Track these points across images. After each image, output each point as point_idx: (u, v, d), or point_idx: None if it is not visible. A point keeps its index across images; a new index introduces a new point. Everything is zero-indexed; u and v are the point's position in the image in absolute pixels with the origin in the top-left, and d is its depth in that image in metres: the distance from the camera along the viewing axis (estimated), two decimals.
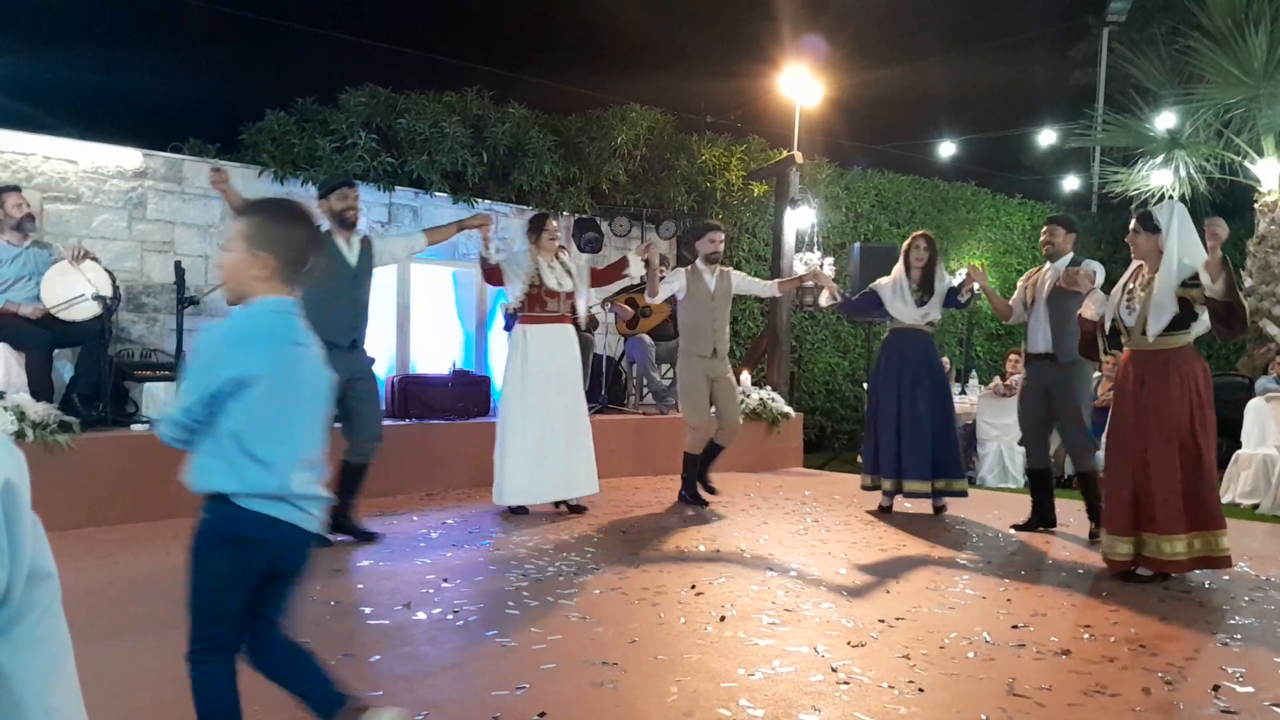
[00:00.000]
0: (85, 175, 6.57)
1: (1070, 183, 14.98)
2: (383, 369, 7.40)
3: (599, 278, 6.03)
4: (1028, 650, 3.29)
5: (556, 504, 5.84)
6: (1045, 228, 5.61)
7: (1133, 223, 4.43)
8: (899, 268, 6.07)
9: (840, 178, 10.73)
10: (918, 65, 16.85)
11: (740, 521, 5.74)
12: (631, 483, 7.22)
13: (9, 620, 0.89)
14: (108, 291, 5.54)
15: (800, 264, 9.22)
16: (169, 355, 6.26)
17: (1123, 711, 2.73)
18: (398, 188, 7.83)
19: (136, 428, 5.57)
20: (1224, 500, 7.23)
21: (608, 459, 7.24)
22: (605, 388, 7.89)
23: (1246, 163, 9.79)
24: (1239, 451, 7.45)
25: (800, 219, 9.15)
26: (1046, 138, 14.68)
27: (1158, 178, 10.56)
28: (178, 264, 5.84)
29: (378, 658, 3.08)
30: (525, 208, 8.62)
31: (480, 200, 8.20)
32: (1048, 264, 5.54)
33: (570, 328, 5.81)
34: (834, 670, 3.03)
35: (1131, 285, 4.43)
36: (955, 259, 11.71)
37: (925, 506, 6.27)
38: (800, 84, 8.99)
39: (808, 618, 3.66)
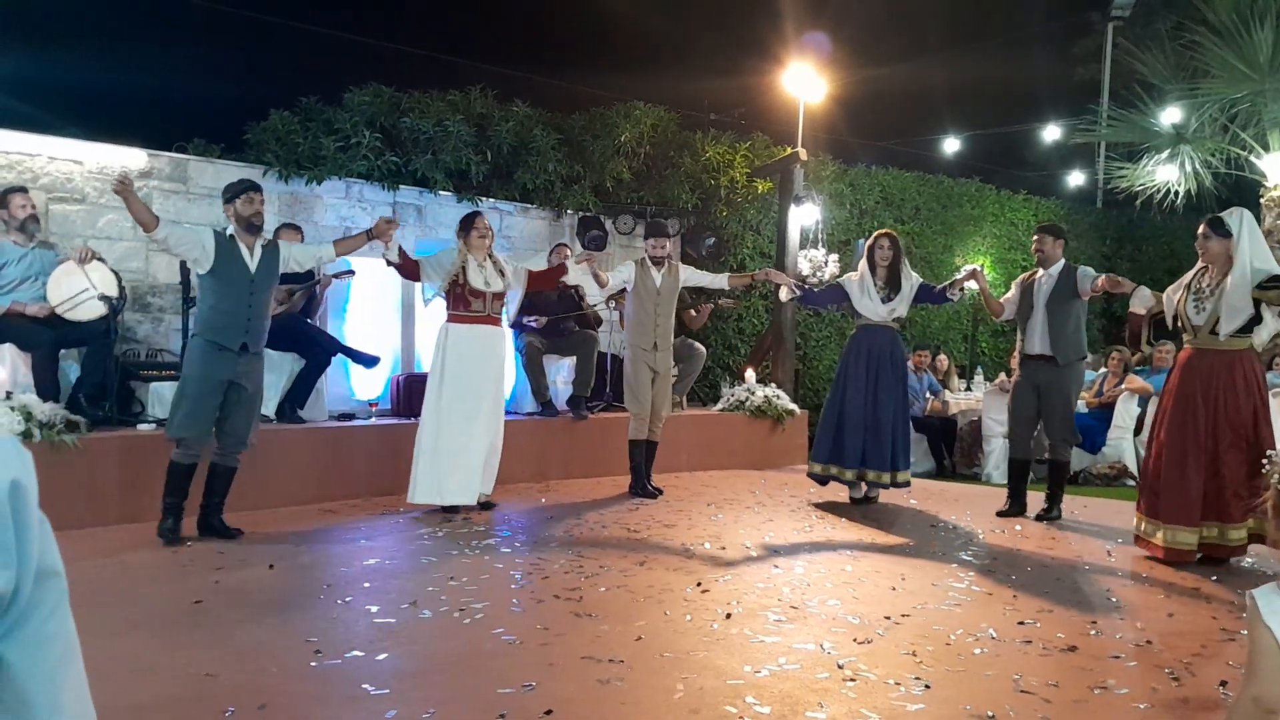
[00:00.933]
0: (90, 175, 6.58)
1: (1075, 178, 14.95)
2: (387, 367, 7.41)
3: (535, 281, 6.04)
4: (1034, 647, 3.29)
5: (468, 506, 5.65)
6: (1036, 236, 5.89)
7: (1202, 228, 4.62)
8: (864, 265, 6.22)
9: (844, 174, 10.71)
10: (921, 61, 16.82)
11: (745, 519, 5.73)
12: None
13: (17, 619, 0.90)
14: (113, 291, 5.55)
15: (804, 260, 9.21)
16: (174, 355, 6.27)
17: (1130, 708, 2.73)
18: (402, 186, 7.83)
19: (142, 427, 5.58)
20: None
21: (613, 457, 7.25)
22: (610, 385, 7.88)
23: (1252, 157, 9.75)
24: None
25: (804, 216, 9.13)
26: (1051, 133, 14.64)
27: (1163, 173, 10.52)
28: (183, 264, 5.84)
29: (384, 655, 3.09)
30: (530, 206, 8.62)
31: (484, 199, 8.20)
32: (1040, 269, 5.84)
33: (497, 329, 5.75)
34: (840, 667, 3.03)
35: (1199, 286, 4.64)
36: (960, 255, 11.68)
37: (929, 504, 6.27)
38: (804, 81, 8.97)
39: (814, 615, 3.66)
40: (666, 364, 6.43)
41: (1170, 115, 10.30)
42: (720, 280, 6.72)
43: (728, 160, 9.42)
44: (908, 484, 6.30)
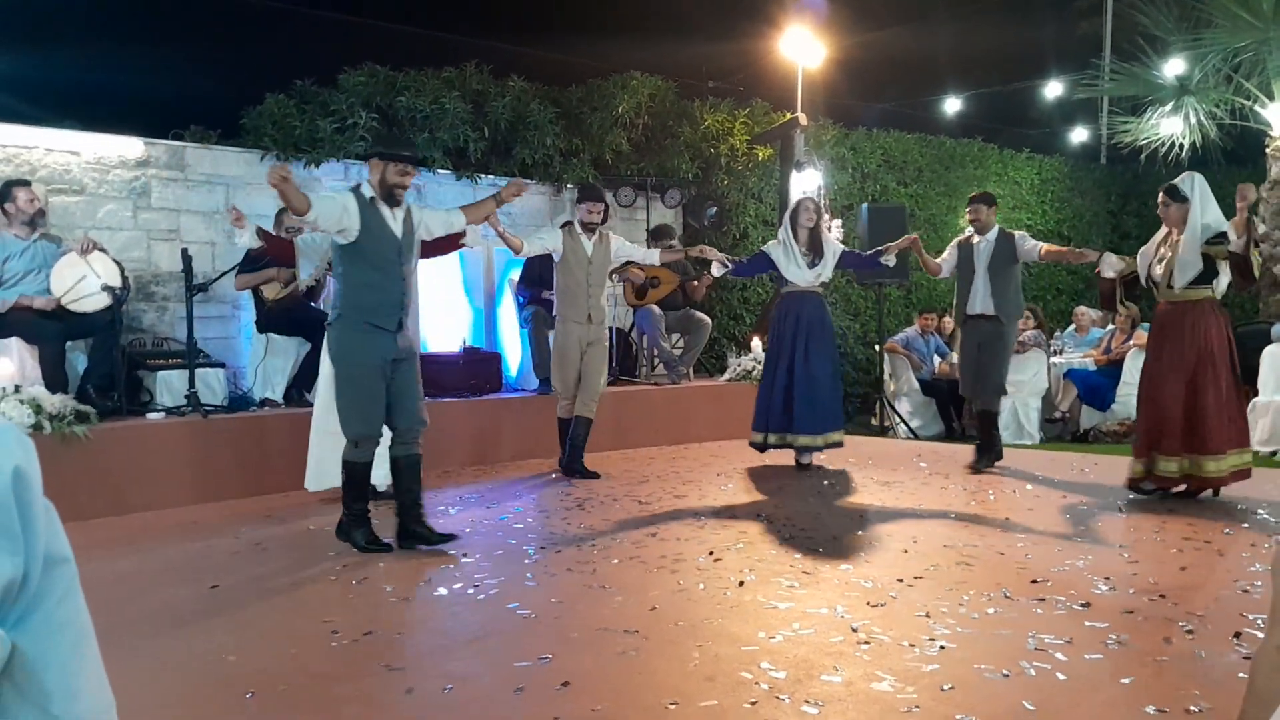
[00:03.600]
0: (88, 166, 6.56)
1: (1078, 135, 14.77)
2: None
3: (429, 250, 4.95)
4: (1047, 604, 3.30)
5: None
6: (970, 207, 6.26)
7: (1161, 196, 5.08)
8: (786, 233, 6.25)
9: (846, 138, 10.62)
10: (921, 20, 16.61)
11: (757, 487, 5.75)
12: (645, 453, 7.23)
13: (28, 606, 0.90)
14: (116, 282, 5.55)
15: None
16: (180, 343, 6.28)
17: (1144, 661, 2.74)
18: None
19: (152, 416, 5.60)
20: None
21: (621, 430, 7.27)
22: (616, 359, 7.88)
23: (1257, 107, 9.64)
24: (1256, 399, 7.39)
25: (806, 181, 9.07)
26: (1053, 90, 14.46)
27: (1167, 126, 10.41)
28: (184, 251, 5.83)
29: (400, 634, 3.11)
30: (529, 182, 8.56)
31: (483, 176, 8.15)
32: (975, 234, 6.23)
33: None
34: (854, 630, 3.04)
35: (1162, 248, 5.09)
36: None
37: (939, 466, 6.28)
38: (802, 45, 8.89)
39: (826, 579, 3.68)
40: (600, 335, 6.15)
41: (1174, 67, 10.18)
42: (652, 255, 6.48)
43: (727, 128, 9.35)
44: (840, 444, 6.34)
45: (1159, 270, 5.06)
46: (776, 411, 6.25)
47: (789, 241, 6.21)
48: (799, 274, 6.21)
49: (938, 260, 6.39)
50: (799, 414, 6.18)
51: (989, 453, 6.25)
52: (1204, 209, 4.87)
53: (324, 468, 4.98)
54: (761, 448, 6.42)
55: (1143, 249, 5.22)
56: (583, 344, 6.05)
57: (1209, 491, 5.10)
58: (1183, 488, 5.08)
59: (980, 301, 6.13)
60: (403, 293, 4.28)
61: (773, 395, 6.27)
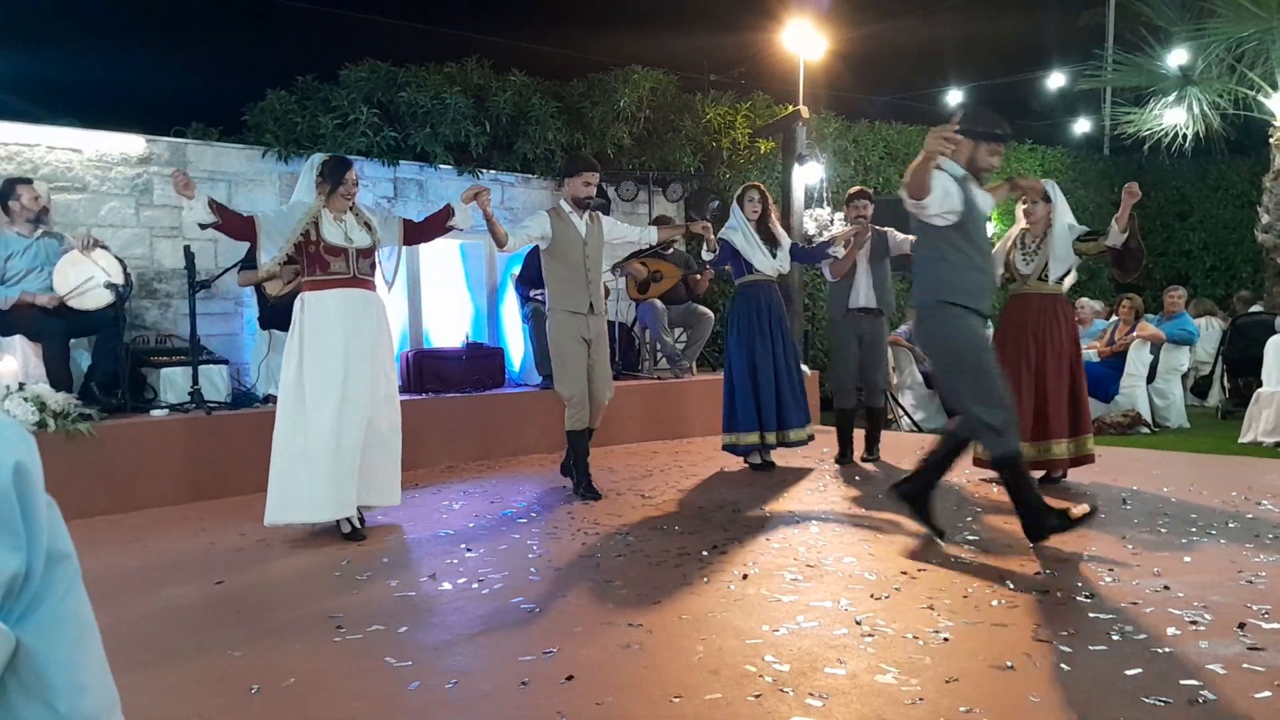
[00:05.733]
0: (90, 164, 6.56)
1: (1081, 125, 14.76)
2: (396, 343, 7.40)
3: (415, 234, 4.90)
4: (1051, 596, 3.30)
5: (340, 523, 4.48)
6: (860, 202, 6.30)
7: (1032, 196, 5.40)
8: (739, 219, 6.03)
9: (848, 131, 10.60)
10: (923, 12, 16.57)
11: (759, 480, 5.75)
12: (649, 448, 7.24)
13: (31, 602, 0.90)
14: (119, 278, 5.56)
15: (809, 220, 9.14)
16: (183, 340, 6.29)
17: (1149, 653, 2.73)
18: (402, 162, 7.79)
19: (156, 413, 5.61)
20: (1246, 439, 7.21)
21: (624, 425, 7.28)
22: (619, 354, 7.88)
23: (1260, 97, 9.61)
24: (1260, 390, 7.38)
25: (808, 175, 9.06)
26: (1056, 81, 14.45)
27: (1170, 116, 10.39)
28: (187, 248, 5.84)
29: (405, 629, 3.12)
30: (531, 176, 8.56)
31: (485, 171, 8.15)
32: (867, 228, 6.25)
33: (368, 293, 4.57)
34: (858, 623, 3.04)
35: (1024, 243, 5.39)
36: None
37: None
38: (804, 37, 8.86)
39: (830, 572, 3.68)
40: (602, 328, 5.48)
41: (1177, 57, 10.16)
42: (650, 233, 5.87)
43: (729, 121, 9.33)
44: (813, 437, 6.24)
45: (1023, 264, 5.39)
46: (769, 408, 5.97)
47: (744, 229, 5.99)
48: (765, 262, 5.99)
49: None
50: (788, 408, 6.01)
51: (877, 445, 6.46)
52: (1064, 211, 5.24)
53: (285, 498, 4.36)
54: (759, 450, 6.08)
55: (996, 248, 5.35)
56: (585, 338, 5.38)
57: (1061, 474, 5.43)
58: (1043, 473, 5.32)
59: (864, 295, 6.23)
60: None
61: (760, 392, 5.95)
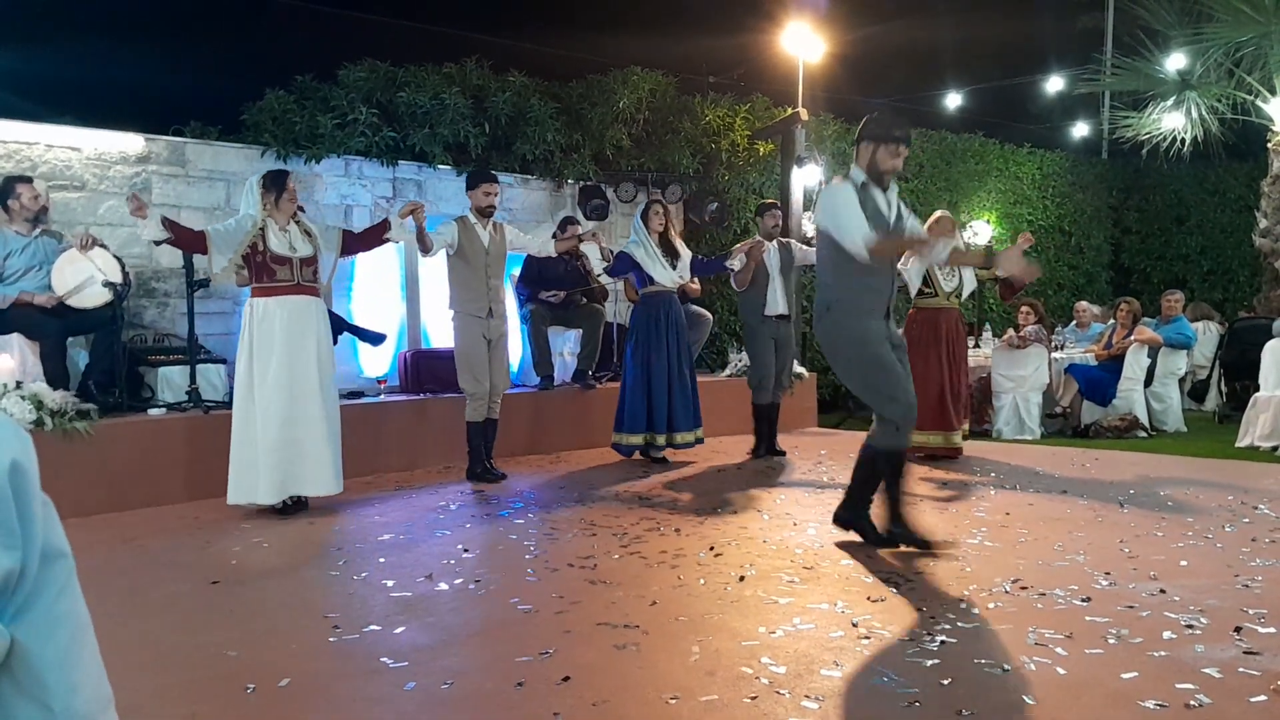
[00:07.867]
0: (89, 162, 6.56)
1: (1080, 129, 14.75)
2: (393, 344, 7.41)
3: (353, 244, 5.36)
4: (1048, 599, 3.30)
5: (281, 504, 4.98)
6: (771, 213, 6.76)
7: (950, 222, 6.19)
8: (640, 233, 6.38)
9: (846, 133, 10.59)
10: (921, 15, 16.57)
11: (757, 482, 5.75)
12: None
13: (26, 600, 0.90)
14: (117, 277, 5.55)
15: (808, 222, 9.14)
16: (181, 339, 6.29)
17: (1144, 657, 2.74)
18: (400, 162, 7.79)
19: (153, 412, 5.60)
20: (1243, 443, 7.21)
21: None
22: (617, 356, 7.88)
23: (1259, 101, 9.62)
24: (1257, 394, 7.38)
25: (807, 177, 9.06)
26: (1054, 84, 14.44)
27: (1169, 120, 10.40)
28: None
29: (402, 629, 3.12)
30: (530, 177, 8.56)
31: None
32: (765, 241, 6.63)
33: (312, 300, 5.01)
34: (855, 625, 3.04)
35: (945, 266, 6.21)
36: (966, 211, 11.60)
37: (939, 462, 6.28)
38: (803, 39, 8.87)
39: (827, 575, 3.68)
40: (502, 330, 5.93)
41: (1175, 61, 10.16)
42: (549, 247, 6.27)
43: (728, 123, 9.33)
44: (701, 440, 6.60)
45: (945, 280, 6.39)
46: (660, 411, 6.36)
47: (646, 242, 6.33)
48: (664, 274, 6.36)
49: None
50: (680, 412, 6.39)
51: (771, 441, 6.86)
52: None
53: (243, 480, 4.93)
54: (643, 450, 6.50)
55: (912, 264, 5.86)
56: (486, 339, 5.82)
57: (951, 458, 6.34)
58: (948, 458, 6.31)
59: (781, 302, 6.69)
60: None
61: (653, 396, 6.36)
